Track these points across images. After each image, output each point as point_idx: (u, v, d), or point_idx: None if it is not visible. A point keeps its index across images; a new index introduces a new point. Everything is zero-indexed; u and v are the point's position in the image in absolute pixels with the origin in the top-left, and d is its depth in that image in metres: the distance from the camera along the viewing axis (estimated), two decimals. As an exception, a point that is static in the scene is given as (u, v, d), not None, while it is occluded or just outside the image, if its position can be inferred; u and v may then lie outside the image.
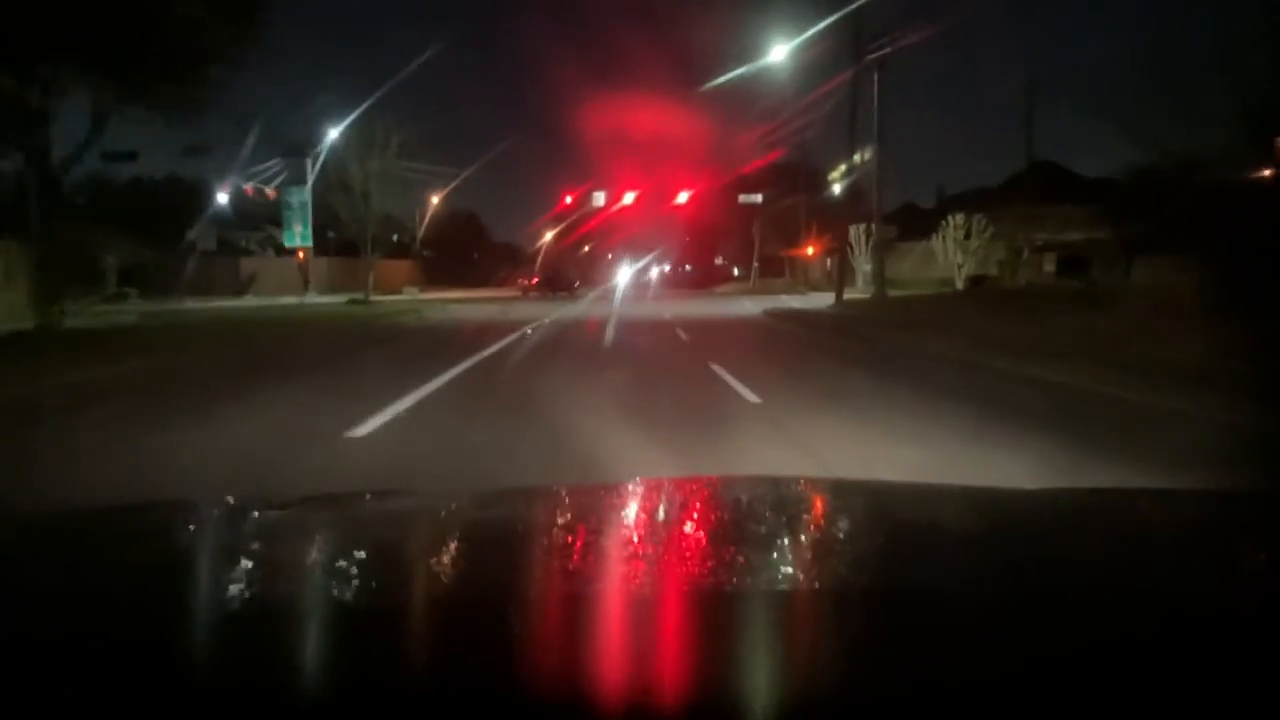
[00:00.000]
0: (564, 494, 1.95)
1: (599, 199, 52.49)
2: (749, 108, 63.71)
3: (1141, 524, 1.56)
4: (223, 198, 45.92)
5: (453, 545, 1.42)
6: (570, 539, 1.44)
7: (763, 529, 1.49)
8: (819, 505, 1.75)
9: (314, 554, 1.37)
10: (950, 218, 39.64)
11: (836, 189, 40.58)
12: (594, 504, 1.77)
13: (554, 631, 0.95)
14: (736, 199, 56.13)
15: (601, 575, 1.21)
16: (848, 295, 39.94)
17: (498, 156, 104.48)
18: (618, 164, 58.65)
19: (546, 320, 23.17)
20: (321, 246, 66.10)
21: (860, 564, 1.24)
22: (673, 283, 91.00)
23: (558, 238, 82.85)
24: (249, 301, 45.93)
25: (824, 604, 1.04)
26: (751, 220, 57.66)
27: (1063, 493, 1.97)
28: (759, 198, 52.28)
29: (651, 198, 53.37)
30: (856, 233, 42.26)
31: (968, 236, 39.15)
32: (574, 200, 52.71)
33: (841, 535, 1.50)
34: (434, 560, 1.31)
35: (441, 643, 0.91)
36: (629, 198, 51.94)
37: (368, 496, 1.98)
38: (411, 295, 45.02)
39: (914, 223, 52.95)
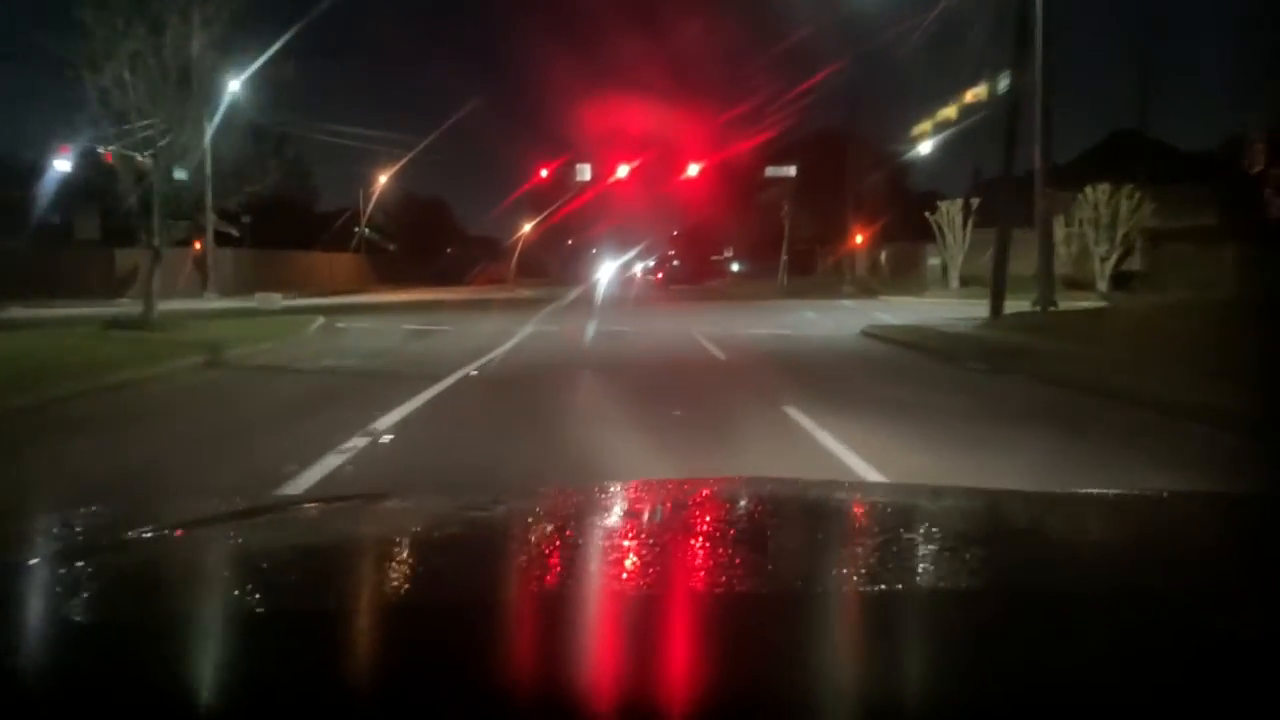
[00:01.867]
0: (562, 496, 1.89)
1: (584, 173, 40.35)
2: (781, 52, 51.31)
3: (1141, 526, 1.53)
4: (64, 165, 33.20)
5: (435, 548, 1.39)
6: (560, 541, 1.43)
7: (759, 530, 1.49)
8: (817, 507, 1.73)
9: (297, 558, 1.34)
10: (1091, 189, 27.53)
11: (924, 148, 28.90)
12: (589, 505, 1.73)
13: (534, 635, 0.93)
14: (750, 176, 43.99)
15: (583, 577, 1.18)
16: (939, 301, 27.72)
17: (466, 128, 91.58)
18: (609, 130, 46.38)
19: (472, 371, 10.93)
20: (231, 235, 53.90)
21: (856, 566, 1.22)
22: (665, 280, 79.07)
23: (538, 227, 72.40)
24: (108, 308, 33.47)
25: (818, 606, 1.01)
26: (776, 202, 45.34)
27: (1066, 495, 1.90)
28: (793, 170, 40.05)
29: (651, 172, 41.21)
30: (948, 212, 30.15)
31: (1111, 223, 27.03)
32: (550, 173, 40.50)
33: (841, 537, 1.47)
34: (408, 564, 1.27)
35: (414, 646, 0.89)
36: (623, 171, 39.90)
37: (352, 501, 1.97)
38: (269, 304, 29.67)
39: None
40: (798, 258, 47.73)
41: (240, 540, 1.46)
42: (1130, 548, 1.38)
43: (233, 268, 45.18)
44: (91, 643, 0.90)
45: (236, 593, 1.12)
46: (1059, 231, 30.89)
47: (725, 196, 46.86)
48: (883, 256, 40.18)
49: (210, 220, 43.41)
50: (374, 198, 55.15)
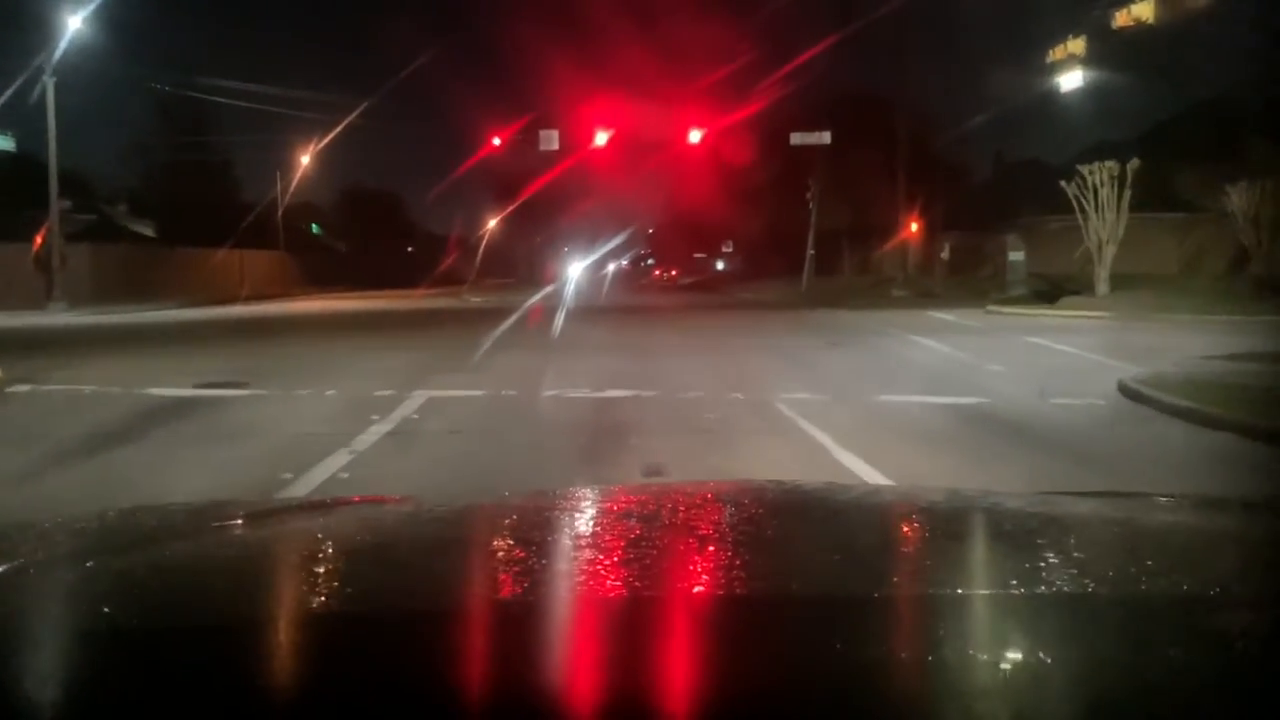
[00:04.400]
0: (547, 501, 1.78)
1: (550, 141, 30.41)
2: None
3: (1126, 528, 1.48)
4: None
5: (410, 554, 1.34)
6: (540, 547, 1.38)
7: (755, 534, 1.44)
8: (805, 510, 1.68)
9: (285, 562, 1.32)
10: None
11: (1069, 81, 19.29)
12: (570, 511, 1.65)
13: (509, 641, 0.90)
14: (761, 149, 34.24)
15: (557, 583, 1.15)
16: (1099, 316, 18.05)
17: (417, 100, 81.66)
18: (584, 87, 36.44)
19: None
20: (102, 229, 43.78)
21: (854, 569, 1.19)
22: (635, 281, 69.75)
23: (504, 221, 64.23)
24: None
25: (802, 611, 0.97)
26: (798, 179, 35.47)
27: (1054, 496, 1.87)
28: (827, 136, 30.22)
29: (639, 140, 31.41)
30: (1094, 180, 20.47)
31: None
32: (505, 141, 30.54)
33: (839, 540, 1.41)
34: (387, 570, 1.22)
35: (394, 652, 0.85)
36: (601, 138, 29.99)
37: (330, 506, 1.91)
38: None
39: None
40: (818, 253, 37.90)
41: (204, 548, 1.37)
42: (1114, 548, 1.35)
43: (92, 270, 34.70)
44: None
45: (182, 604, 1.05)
46: (1237, 202, 21.21)
47: (728, 176, 37.05)
48: (945, 251, 30.53)
49: (56, 206, 33.18)
50: (294, 182, 44.82)
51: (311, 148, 44.26)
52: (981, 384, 9.57)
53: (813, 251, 35.03)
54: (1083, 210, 20.95)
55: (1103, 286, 20.37)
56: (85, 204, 45.90)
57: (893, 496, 2.03)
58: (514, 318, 20.25)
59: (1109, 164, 20.24)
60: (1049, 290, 26.05)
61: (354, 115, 38.90)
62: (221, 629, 0.91)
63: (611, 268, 79.10)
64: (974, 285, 29.79)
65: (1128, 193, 20.27)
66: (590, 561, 1.23)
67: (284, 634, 0.93)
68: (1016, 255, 27.93)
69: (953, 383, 9.61)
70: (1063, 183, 21.24)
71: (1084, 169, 20.60)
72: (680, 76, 37.20)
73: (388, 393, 8.74)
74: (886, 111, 31.48)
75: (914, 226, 30.45)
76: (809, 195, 34.59)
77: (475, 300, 33.48)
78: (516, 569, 1.21)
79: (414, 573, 1.18)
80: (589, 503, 1.74)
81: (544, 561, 1.26)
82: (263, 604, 1.08)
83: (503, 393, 8.89)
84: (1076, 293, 21.81)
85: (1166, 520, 1.56)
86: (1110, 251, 20.66)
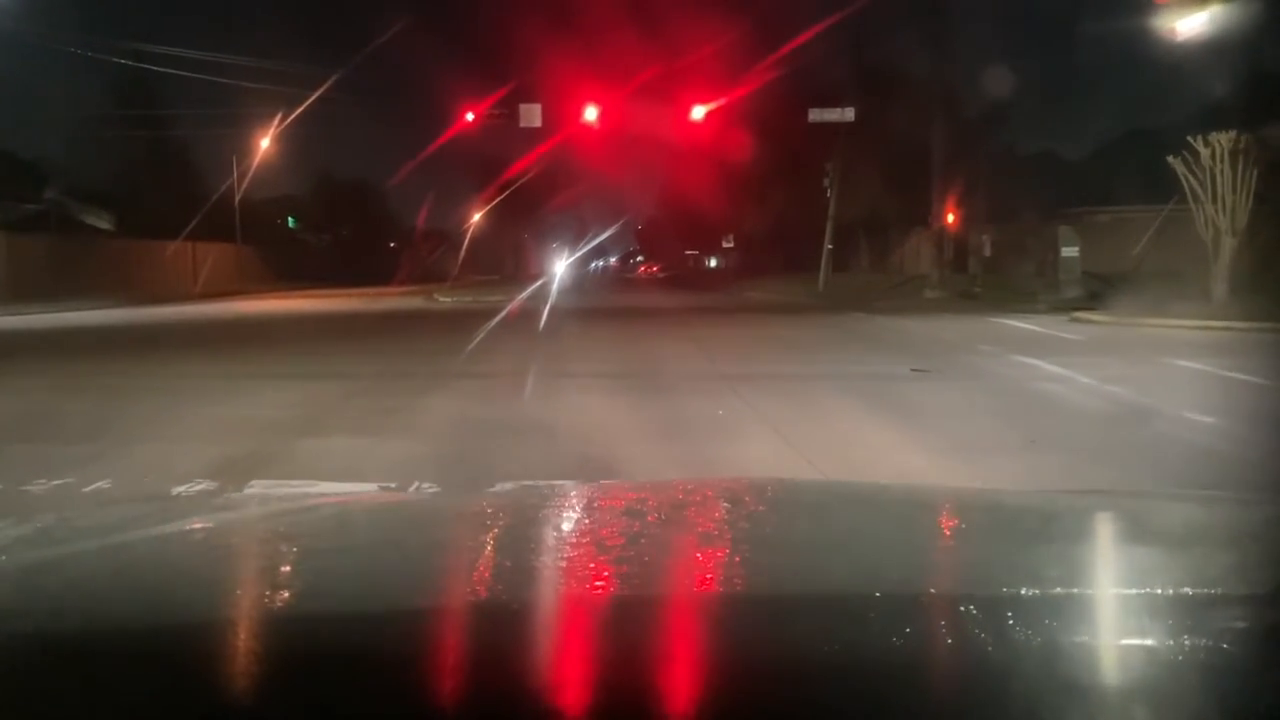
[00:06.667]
0: (529, 498, 1.85)
1: (532, 116, 26.50)
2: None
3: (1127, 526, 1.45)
4: None
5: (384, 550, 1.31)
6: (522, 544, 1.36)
7: (754, 531, 1.42)
8: (794, 508, 1.64)
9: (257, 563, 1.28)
10: None
11: (1189, 24, 15.52)
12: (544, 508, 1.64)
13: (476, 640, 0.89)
14: (774, 128, 30.23)
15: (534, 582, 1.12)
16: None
17: (394, 83, 77.57)
18: (571, 55, 32.39)
19: None
20: (47, 219, 39.87)
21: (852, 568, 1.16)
22: (624, 277, 66.07)
23: (489, 215, 61.17)
24: None
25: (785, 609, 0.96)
26: (812, 162, 31.45)
27: (1053, 494, 1.89)
28: (850, 113, 26.29)
29: (633, 116, 27.49)
30: (1211, 156, 16.46)
31: None
32: (479, 117, 26.48)
33: (811, 538, 1.38)
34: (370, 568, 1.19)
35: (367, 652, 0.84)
36: (591, 114, 26.13)
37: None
38: None
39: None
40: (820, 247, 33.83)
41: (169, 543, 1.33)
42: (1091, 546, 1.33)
43: (8, 264, 30.49)
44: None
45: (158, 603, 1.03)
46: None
47: (730, 162, 33.04)
48: (986, 246, 26.68)
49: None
50: (253, 168, 40.71)
51: (272, 130, 40.15)
52: (1231, 455, 5.66)
53: (830, 246, 31.08)
54: (1194, 195, 17.05)
55: (1221, 288, 16.53)
56: (36, 195, 42.05)
57: (894, 494, 1.97)
58: (484, 326, 16.27)
59: (1226, 135, 16.43)
60: (1105, 291, 22.38)
61: (320, 91, 34.74)
62: (196, 628, 0.88)
63: (600, 264, 75.58)
64: (1016, 284, 26.03)
65: (1253, 171, 16.41)
66: (585, 558, 1.19)
67: (273, 634, 0.90)
68: (1070, 251, 24.24)
69: (1180, 456, 5.69)
70: (1170, 159, 17.32)
71: (1200, 140, 16.71)
72: (683, 44, 33.12)
73: (200, 486, 4.78)
74: (918, 87, 27.59)
75: (950, 217, 26.59)
76: (826, 181, 30.67)
77: (446, 300, 29.49)
78: (512, 565, 1.18)
79: (411, 571, 1.15)
80: (587, 499, 1.68)
81: (539, 557, 1.22)
82: (261, 603, 1.04)
83: (414, 485, 4.92)
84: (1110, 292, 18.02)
85: (1164, 517, 1.52)
86: (1230, 245, 16.78)
